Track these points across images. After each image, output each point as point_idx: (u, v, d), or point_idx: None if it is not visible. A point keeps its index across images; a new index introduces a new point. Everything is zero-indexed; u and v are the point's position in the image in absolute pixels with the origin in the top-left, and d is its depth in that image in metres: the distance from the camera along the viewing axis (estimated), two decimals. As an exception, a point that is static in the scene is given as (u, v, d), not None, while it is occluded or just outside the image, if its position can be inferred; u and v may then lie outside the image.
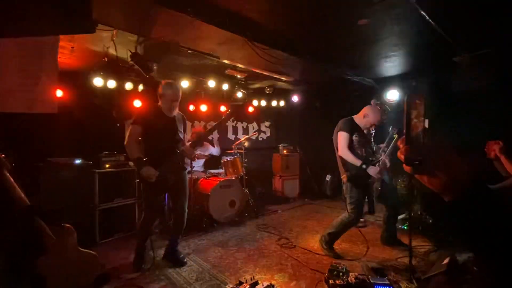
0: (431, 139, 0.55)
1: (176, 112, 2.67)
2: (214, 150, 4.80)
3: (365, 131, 2.91)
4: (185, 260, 2.71)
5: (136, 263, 2.61)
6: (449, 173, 0.52)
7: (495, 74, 3.42)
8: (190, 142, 2.74)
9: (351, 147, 2.78)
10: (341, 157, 2.83)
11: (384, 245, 3.07)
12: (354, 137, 2.82)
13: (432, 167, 0.53)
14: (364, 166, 2.61)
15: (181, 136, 2.70)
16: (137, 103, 4.57)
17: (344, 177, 2.86)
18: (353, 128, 2.84)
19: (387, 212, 3.02)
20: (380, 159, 2.77)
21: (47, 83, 1.42)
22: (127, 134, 2.51)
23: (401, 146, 0.57)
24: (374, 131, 3.13)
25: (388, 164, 2.76)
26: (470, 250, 0.59)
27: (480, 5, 2.40)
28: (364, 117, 2.87)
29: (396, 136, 3.51)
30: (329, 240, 2.88)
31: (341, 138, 2.79)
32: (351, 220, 2.76)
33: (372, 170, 2.60)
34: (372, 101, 3.63)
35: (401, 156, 0.56)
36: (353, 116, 2.97)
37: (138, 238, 2.69)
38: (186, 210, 2.73)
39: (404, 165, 0.56)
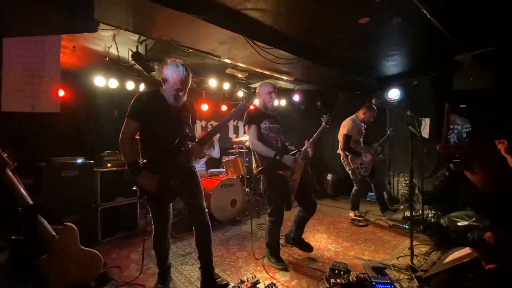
0: (470, 135, 0.66)
1: (183, 100, 2.05)
2: (215, 151, 4.59)
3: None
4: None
5: None
6: (488, 173, 0.61)
7: (497, 73, 3.40)
8: (197, 140, 2.06)
9: None
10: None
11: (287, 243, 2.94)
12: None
13: (471, 165, 0.62)
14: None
15: (189, 130, 2.08)
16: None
17: None
18: None
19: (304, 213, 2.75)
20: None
21: (50, 82, 1.42)
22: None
23: (440, 146, 0.69)
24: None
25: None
26: None
27: (483, 3, 2.40)
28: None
29: (389, 133, 3.99)
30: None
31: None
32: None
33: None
34: (373, 100, 3.63)
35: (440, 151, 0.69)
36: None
37: (157, 257, 2.24)
38: (206, 210, 2.18)
39: (449, 164, 0.67)
